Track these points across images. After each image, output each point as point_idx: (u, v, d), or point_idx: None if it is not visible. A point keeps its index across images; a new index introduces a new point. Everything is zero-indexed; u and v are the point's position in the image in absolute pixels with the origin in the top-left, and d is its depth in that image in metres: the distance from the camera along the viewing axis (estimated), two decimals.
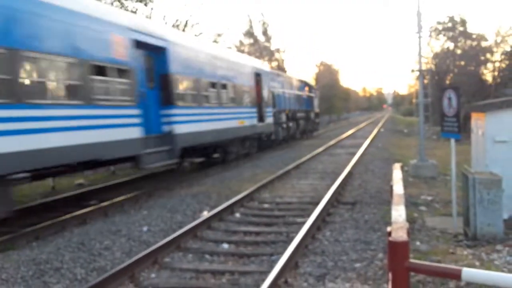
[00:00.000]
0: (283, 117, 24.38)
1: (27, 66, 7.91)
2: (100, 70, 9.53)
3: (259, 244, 7.24)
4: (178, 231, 7.43)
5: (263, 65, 22.53)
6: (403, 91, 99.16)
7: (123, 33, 10.29)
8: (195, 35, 25.19)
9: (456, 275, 2.80)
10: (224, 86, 15.89)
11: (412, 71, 39.01)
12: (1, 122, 7.23)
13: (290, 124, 25.90)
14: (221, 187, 12.20)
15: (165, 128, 12.00)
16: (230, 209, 9.31)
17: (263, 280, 5.25)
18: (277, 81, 24.35)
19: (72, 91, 8.78)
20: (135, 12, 20.68)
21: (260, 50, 48.50)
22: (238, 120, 16.98)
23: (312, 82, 46.00)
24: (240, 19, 65.73)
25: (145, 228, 8.17)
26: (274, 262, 6.07)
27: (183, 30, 24.56)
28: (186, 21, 26.16)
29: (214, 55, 15.44)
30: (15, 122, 7.46)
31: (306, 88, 31.71)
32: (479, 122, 8.39)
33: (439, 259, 5.92)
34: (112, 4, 19.74)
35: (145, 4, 21.63)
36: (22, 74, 7.70)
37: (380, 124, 49.96)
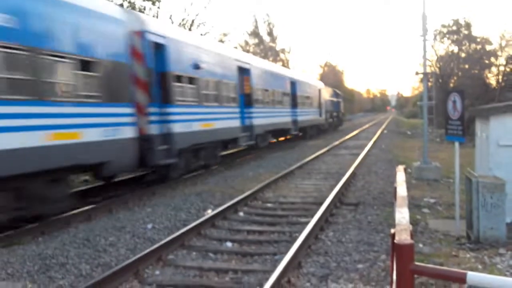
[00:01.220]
0: (328, 115, 37.91)
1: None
2: (226, 86, 15.95)
3: (262, 243, 7.29)
4: (182, 229, 7.50)
5: (321, 83, 36.60)
6: (407, 93, 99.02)
7: (234, 63, 17.05)
8: (201, 34, 25.23)
9: (461, 279, 2.82)
10: (308, 98, 29.87)
11: (417, 73, 38.91)
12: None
13: (330, 120, 39.60)
14: (225, 186, 12.25)
15: (247, 122, 18.22)
16: (234, 208, 9.37)
17: (266, 279, 5.30)
18: (325, 92, 37.46)
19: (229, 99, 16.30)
20: (143, 11, 20.80)
21: (265, 50, 48.55)
22: (313, 115, 31.41)
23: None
24: (246, 19, 65.82)
25: (149, 226, 8.23)
26: (277, 262, 6.13)
27: (189, 29, 24.61)
28: (193, 21, 26.22)
29: (306, 82, 30.35)
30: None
31: (335, 96, 44.39)
32: (483, 126, 8.42)
33: (442, 262, 5.95)
34: (122, 5, 19.83)
35: (153, 3, 21.69)
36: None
37: (383, 126, 49.87)
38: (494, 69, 40.02)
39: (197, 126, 13.41)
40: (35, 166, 7.68)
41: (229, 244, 7.28)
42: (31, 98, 7.74)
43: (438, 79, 39.27)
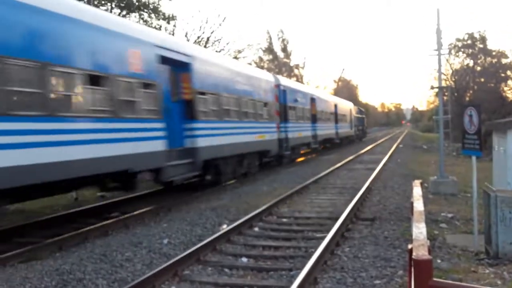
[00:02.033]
0: (355, 129, 46.52)
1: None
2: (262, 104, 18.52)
3: (278, 259, 7.26)
4: (197, 244, 7.51)
5: (351, 104, 45.30)
6: (422, 107, 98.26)
7: (272, 82, 20.33)
8: (216, 51, 25.54)
9: None
10: (344, 115, 38.11)
11: (432, 87, 38.74)
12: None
13: (357, 132, 48.90)
14: (239, 202, 12.26)
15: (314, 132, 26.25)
16: (249, 223, 9.36)
17: None
18: (353, 110, 46.00)
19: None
20: (159, 29, 21.22)
21: (280, 66, 48.85)
22: (346, 129, 39.68)
23: None
24: (260, 35, 66.53)
25: (165, 241, 8.26)
26: (293, 277, 6.09)
27: (205, 47, 24.95)
28: (208, 38, 26.57)
29: (342, 103, 38.97)
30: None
31: (360, 112, 53.89)
32: (500, 140, 8.34)
33: (461, 278, 5.87)
34: (138, 21, 20.27)
35: (168, 22, 22.08)
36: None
37: (399, 140, 49.55)
38: (510, 82, 39.69)
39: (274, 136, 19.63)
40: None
41: (244, 259, 7.26)
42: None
43: (454, 93, 39.03)
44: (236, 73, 16.23)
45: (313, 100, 26.87)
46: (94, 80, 8.85)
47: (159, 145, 10.70)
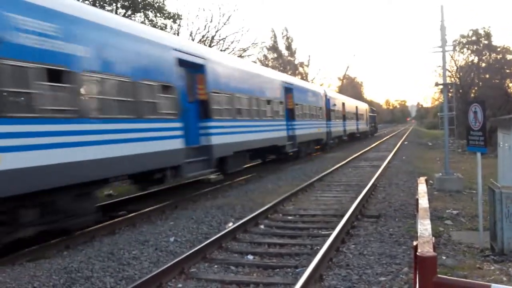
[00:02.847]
0: (369, 125, 54.51)
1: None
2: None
3: (283, 256, 7.31)
4: (204, 242, 7.57)
5: (366, 104, 54.97)
6: (427, 103, 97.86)
7: (321, 93, 28.46)
8: (221, 50, 25.59)
9: None
10: (362, 115, 47.29)
11: (436, 84, 38.58)
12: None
13: (371, 128, 57.41)
14: (245, 199, 12.31)
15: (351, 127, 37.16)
16: (255, 220, 9.41)
17: None
18: (368, 109, 54.65)
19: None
20: (164, 29, 21.34)
21: (284, 64, 48.84)
22: (363, 125, 48.31)
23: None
24: (265, 33, 66.43)
25: (171, 239, 8.33)
26: (298, 275, 6.14)
27: (210, 46, 24.99)
28: (212, 37, 26.60)
29: (360, 105, 49.22)
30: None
31: (372, 112, 62.60)
32: (505, 136, 8.33)
33: (466, 274, 5.89)
34: (144, 21, 20.37)
35: (174, 21, 22.13)
36: None
37: (404, 137, 49.43)
38: None
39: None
40: None
41: (250, 257, 7.31)
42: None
43: (459, 90, 38.90)
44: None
45: (343, 104, 36.42)
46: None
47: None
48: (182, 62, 11.73)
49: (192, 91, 12.58)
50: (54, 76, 7.62)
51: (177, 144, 11.19)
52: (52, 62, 7.57)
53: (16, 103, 6.99)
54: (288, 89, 21.52)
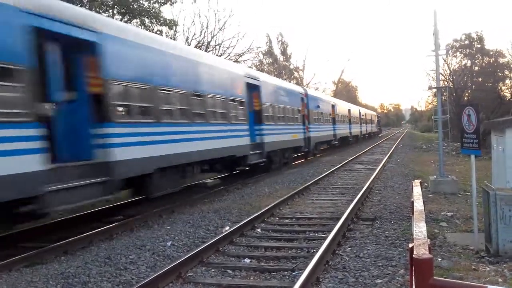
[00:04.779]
0: (375, 128, 70.55)
1: None
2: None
3: (280, 259, 7.34)
4: (201, 246, 7.59)
5: (374, 112, 78.57)
6: (421, 107, 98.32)
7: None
8: (217, 55, 25.64)
9: None
10: (372, 120, 66.70)
11: (430, 88, 38.84)
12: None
13: (376, 130, 72.41)
14: (242, 203, 12.34)
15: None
16: (251, 224, 9.44)
17: None
18: (375, 115, 74.45)
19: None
20: (160, 34, 21.41)
21: (279, 69, 48.96)
22: (371, 127, 65.49)
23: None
24: (260, 39, 66.50)
25: (168, 243, 8.33)
26: (295, 278, 6.17)
27: (206, 51, 25.05)
28: (208, 42, 26.64)
29: (371, 113, 71.39)
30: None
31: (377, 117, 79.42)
32: (499, 139, 8.42)
33: (462, 276, 5.94)
34: (139, 26, 20.41)
35: (170, 28, 22.17)
36: None
37: (398, 140, 49.62)
38: (508, 81, 39.84)
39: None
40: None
41: (247, 260, 7.34)
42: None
43: (452, 93, 39.13)
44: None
45: (360, 113, 50.54)
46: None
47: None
48: (248, 85, 16.83)
49: (251, 104, 17.48)
50: (196, 96, 12.79)
51: (247, 141, 16.28)
52: (192, 90, 12.54)
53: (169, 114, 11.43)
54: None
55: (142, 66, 10.60)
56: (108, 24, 10.06)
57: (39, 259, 7.65)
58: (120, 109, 9.79)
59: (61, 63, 8.80)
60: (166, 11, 65.09)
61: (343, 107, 40.63)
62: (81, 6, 16.24)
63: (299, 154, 25.20)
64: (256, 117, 18.05)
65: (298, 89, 26.43)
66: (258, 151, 17.46)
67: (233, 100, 15.51)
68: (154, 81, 10.78)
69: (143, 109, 10.57)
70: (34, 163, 7.40)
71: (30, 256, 7.68)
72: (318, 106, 28.57)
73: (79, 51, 9.06)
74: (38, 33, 7.79)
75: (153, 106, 10.78)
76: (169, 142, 11.34)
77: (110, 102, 9.28)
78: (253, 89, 17.67)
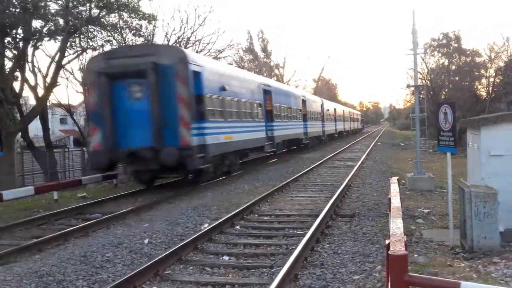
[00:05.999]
0: (359, 125, 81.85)
1: None
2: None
3: (259, 257, 7.33)
4: (179, 244, 7.53)
5: (359, 112, 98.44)
6: (400, 105, 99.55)
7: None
8: (197, 52, 25.45)
9: None
10: (357, 119, 78.87)
11: (408, 86, 39.32)
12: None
13: (360, 127, 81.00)
14: (221, 200, 12.30)
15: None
16: (230, 221, 9.41)
17: None
18: (359, 114, 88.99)
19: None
20: (139, 30, 21.38)
21: (260, 66, 48.94)
22: (356, 124, 73.25)
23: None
24: (241, 35, 66.40)
25: (146, 241, 8.24)
26: (274, 274, 6.17)
27: (185, 47, 24.84)
28: (188, 38, 26.42)
29: (357, 112, 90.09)
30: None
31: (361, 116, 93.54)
32: (474, 137, 8.56)
33: (437, 272, 6.01)
34: (118, 21, 20.20)
35: (149, 22, 21.93)
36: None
37: (377, 138, 50.16)
38: (484, 80, 40.60)
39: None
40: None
41: (226, 258, 7.31)
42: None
43: (430, 92, 39.71)
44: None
45: (350, 112, 61.55)
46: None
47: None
48: (264, 90, 21.75)
49: (264, 104, 21.84)
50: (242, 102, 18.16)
51: (264, 134, 21.19)
52: (239, 98, 17.82)
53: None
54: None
55: (218, 83, 16.10)
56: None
57: (13, 258, 7.50)
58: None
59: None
60: (145, 6, 64.21)
61: (338, 109, 52.36)
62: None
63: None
64: (268, 115, 23.41)
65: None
66: (270, 142, 22.96)
67: (260, 105, 21.44)
68: (223, 94, 16.24)
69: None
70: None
71: (3, 254, 7.52)
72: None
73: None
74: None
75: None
76: (238, 132, 17.71)
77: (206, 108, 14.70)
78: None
